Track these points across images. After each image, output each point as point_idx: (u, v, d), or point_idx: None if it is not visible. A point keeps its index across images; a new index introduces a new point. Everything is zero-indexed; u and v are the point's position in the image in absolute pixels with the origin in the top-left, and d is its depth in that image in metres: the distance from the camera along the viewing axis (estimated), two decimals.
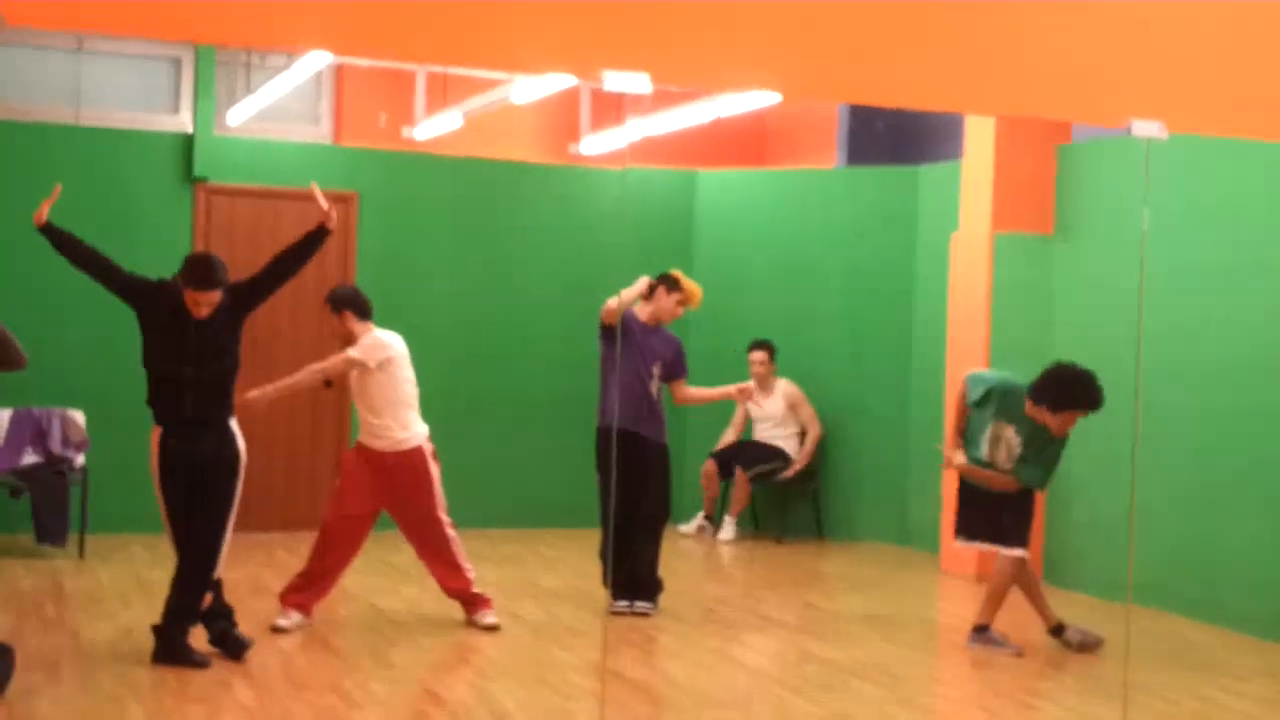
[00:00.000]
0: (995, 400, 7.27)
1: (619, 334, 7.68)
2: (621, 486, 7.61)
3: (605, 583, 7.90)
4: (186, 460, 6.52)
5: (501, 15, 4.59)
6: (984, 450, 7.30)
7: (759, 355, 10.66)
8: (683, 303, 7.98)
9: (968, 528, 7.45)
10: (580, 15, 4.65)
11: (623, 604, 7.84)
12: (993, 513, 7.33)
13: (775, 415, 10.67)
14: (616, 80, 4.51)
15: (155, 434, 6.58)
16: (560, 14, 4.63)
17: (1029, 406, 7.18)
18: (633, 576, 7.85)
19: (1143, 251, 7.94)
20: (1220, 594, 8.05)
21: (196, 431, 6.55)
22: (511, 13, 4.59)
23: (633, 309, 7.97)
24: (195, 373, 6.51)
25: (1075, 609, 8.52)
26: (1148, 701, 6.44)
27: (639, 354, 7.89)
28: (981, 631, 7.32)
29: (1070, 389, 7.06)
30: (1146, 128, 5.09)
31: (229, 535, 6.63)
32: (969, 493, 7.46)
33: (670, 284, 7.97)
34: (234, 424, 6.67)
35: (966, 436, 7.39)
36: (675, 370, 8.04)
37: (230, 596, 7.91)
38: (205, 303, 6.46)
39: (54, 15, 4.34)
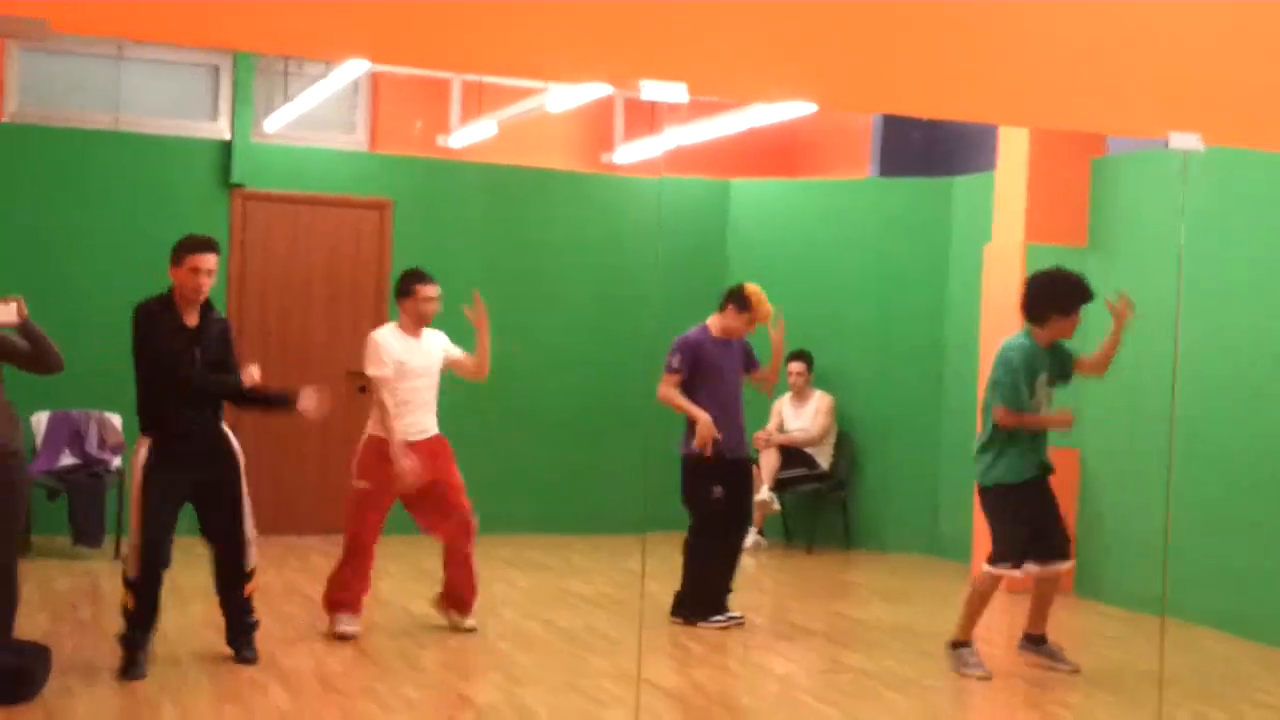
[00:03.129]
0: (1027, 360, 6.97)
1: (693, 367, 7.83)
2: (724, 508, 7.86)
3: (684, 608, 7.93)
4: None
5: (538, 24, 4.62)
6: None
7: (797, 366, 10.67)
8: (753, 322, 7.90)
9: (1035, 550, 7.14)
10: (617, 25, 4.68)
11: (731, 616, 7.90)
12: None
13: (809, 427, 10.66)
14: (654, 90, 4.53)
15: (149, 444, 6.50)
16: (597, 24, 4.66)
17: (1038, 333, 7.01)
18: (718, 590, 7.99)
19: (1180, 265, 7.92)
20: (1253, 608, 8.01)
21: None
22: (548, 22, 4.63)
23: (704, 327, 7.93)
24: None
25: (1108, 622, 8.50)
26: (1180, 715, 6.41)
27: (725, 373, 7.88)
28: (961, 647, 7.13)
29: (1069, 284, 6.98)
30: (1184, 140, 5.09)
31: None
32: (1030, 511, 7.09)
33: (740, 303, 7.88)
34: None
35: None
36: (751, 366, 8.06)
37: (265, 600, 7.98)
38: (205, 268, 6.41)
39: (98, 22, 4.40)
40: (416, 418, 7.43)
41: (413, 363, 7.44)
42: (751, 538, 10.50)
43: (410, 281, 7.51)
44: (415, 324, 7.50)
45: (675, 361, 7.84)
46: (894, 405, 10.82)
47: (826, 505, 10.85)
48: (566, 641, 7.47)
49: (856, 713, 6.34)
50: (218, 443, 6.60)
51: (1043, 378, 7.05)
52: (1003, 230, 9.55)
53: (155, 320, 6.42)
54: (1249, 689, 7.00)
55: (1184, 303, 7.87)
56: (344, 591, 7.36)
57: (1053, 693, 6.82)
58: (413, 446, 7.39)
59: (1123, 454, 8.95)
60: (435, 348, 7.59)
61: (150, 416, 6.53)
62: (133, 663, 6.37)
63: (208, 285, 6.46)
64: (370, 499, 7.38)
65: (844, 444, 10.85)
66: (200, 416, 6.53)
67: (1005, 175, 9.54)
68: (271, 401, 6.80)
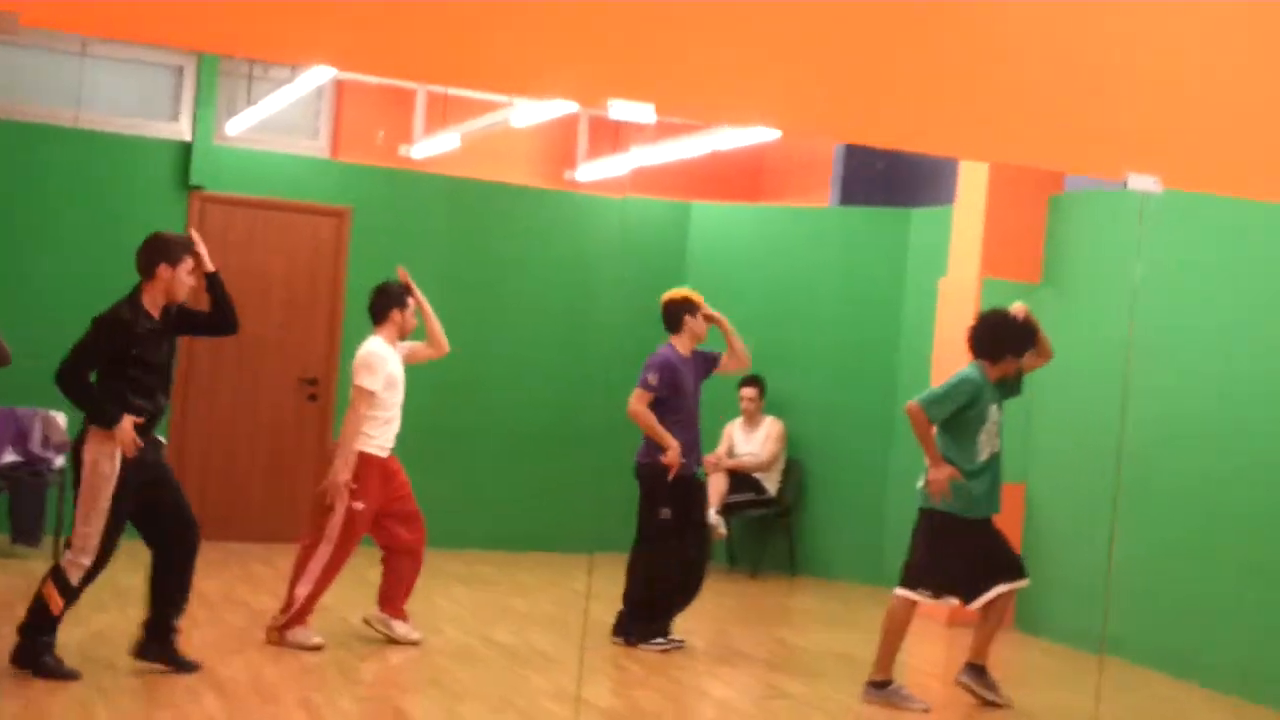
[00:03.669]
0: (972, 396, 7.06)
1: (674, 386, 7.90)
2: (680, 525, 7.88)
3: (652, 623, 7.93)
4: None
5: (507, 38, 4.62)
6: (991, 449, 7.10)
7: (749, 391, 10.69)
8: (706, 318, 8.04)
9: (976, 583, 7.15)
10: (587, 43, 4.68)
11: (671, 640, 7.93)
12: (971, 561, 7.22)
13: (759, 452, 10.67)
14: (622, 109, 4.54)
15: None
16: (567, 41, 4.66)
17: (991, 370, 7.13)
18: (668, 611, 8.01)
19: (1133, 305, 7.99)
20: (1191, 649, 8.07)
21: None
22: (519, 37, 4.63)
23: (670, 346, 7.97)
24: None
25: (1048, 659, 8.54)
26: None
27: (692, 390, 7.98)
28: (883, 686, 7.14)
29: (1020, 326, 7.16)
30: (1142, 181, 5.14)
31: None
32: (957, 547, 7.12)
33: (691, 309, 7.99)
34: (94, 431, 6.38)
35: (960, 453, 7.10)
36: (712, 365, 8.14)
37: (204, 607, 7.90)
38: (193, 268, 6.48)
39: (68, 18, 4.37)
40: (395, 430, 7.46)
41: (399, 375, 7.48)
42: None
43: (406, 295, 7.52)
44: (399, 336, 7.52)
45: (653, 379, 7.84)
46: (845, 433, 10.85)
47: (773, 531, 10.86)
48: (507, 658, 7.44)
49: None
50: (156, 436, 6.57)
51: (993, 408, 7.12)
52: (958, 263, 9.62)
53: (131, 327, 6.31)
54: None
55: (1137, 341, 7.95)
56: (310, 608, 7.34)
57: None
58: (390, 461, 7.45)
59: (1069, 489, 9.00)
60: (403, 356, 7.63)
61: (117, 414, 6.30)
62: (59, 664, 6.32)
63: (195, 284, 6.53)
64: (364, 520, 7.36)
65: (793, 470, 10.87)
66: (161, 415, 6.49)
67: (963, 209, 9.61)
68: (219, 297, 6.77)
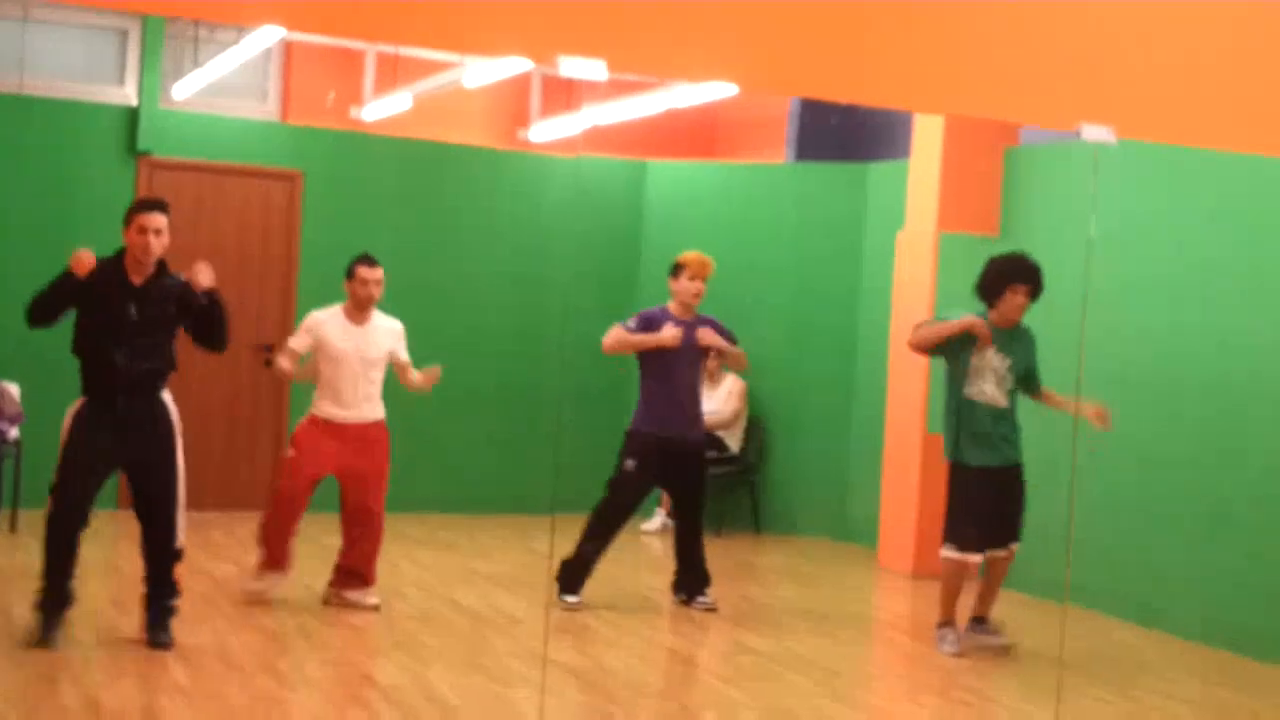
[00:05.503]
0: (959, 338, 7.20)
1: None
2: (672, 490, 8.08)
3: (564, 582, 7.87)
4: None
5: None
6: (974, 391, 7.22)
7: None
8: (693, 276, 7.82)
9: (977, 539, 7.29)
10: None
11: (688, 598, 8.04)
12: (994, 514, 7.32)
13: (721, 409, 10.67)
14: (572, 66, 4.48)
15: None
16: None
17: (991, 315, 7.24)
18: (695, 574, 8.06)
19: (1088, 257, 8.00)
20: (1152, 597, 8.14)
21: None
22: None
23: (665, 309, 7.89)
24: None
25: (1015, 608, 8.59)
26: (1080, 701, 6.50)
27: (678, 354, 7.81)
28: (980, 623, 7.45)
29: (991, 272, 7.27)
30: (1096, 132, 5.12)
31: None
32: (972, 501, 7.26)
33: (674, 270, 7.89)
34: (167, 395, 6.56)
35: (952, 392, 7.26)
36: (730, 339, 7.98)
37: None
38: (151, 228, 6.29)
39: None
40: (343, 402, 7.42)
41: (342, 347, 7.39)
42: (659, 520, 10.51)
43: (351, 263, 7.47)
44: (356, 308, 7.45)
45: (631, 323, 7.83)
46: (805, 390, 10.86)
47: (736, 488, 10.88)
48: (472, 621, 7.42)
49: (760, 694, 6.36)
50: (152, 411, 6.45)
51: (989, 352, 7.18)
52: (916, 217, 9.61)
53: (96, 272, 6.28)
54: (1148, 676, 7.11)
55: (1093, 293, 7.97)
56: (261, 548, 7.45)
57: (958, 678, 6.88)
58: (339, 428, 7.41)
59: (1029, 440, 9.02)
60: (380, 338, 7.52)
61: (83, 374, 6.40)
62: (38, 628, 6.32)
63: (157, 245, 6.32)
64: (294, 466, 7.39)
65: (754, 427, 10.87)
66: (131, 378, 6.36)
67: (919, 163, 9.60)
68: (205, 319, 6.55)
